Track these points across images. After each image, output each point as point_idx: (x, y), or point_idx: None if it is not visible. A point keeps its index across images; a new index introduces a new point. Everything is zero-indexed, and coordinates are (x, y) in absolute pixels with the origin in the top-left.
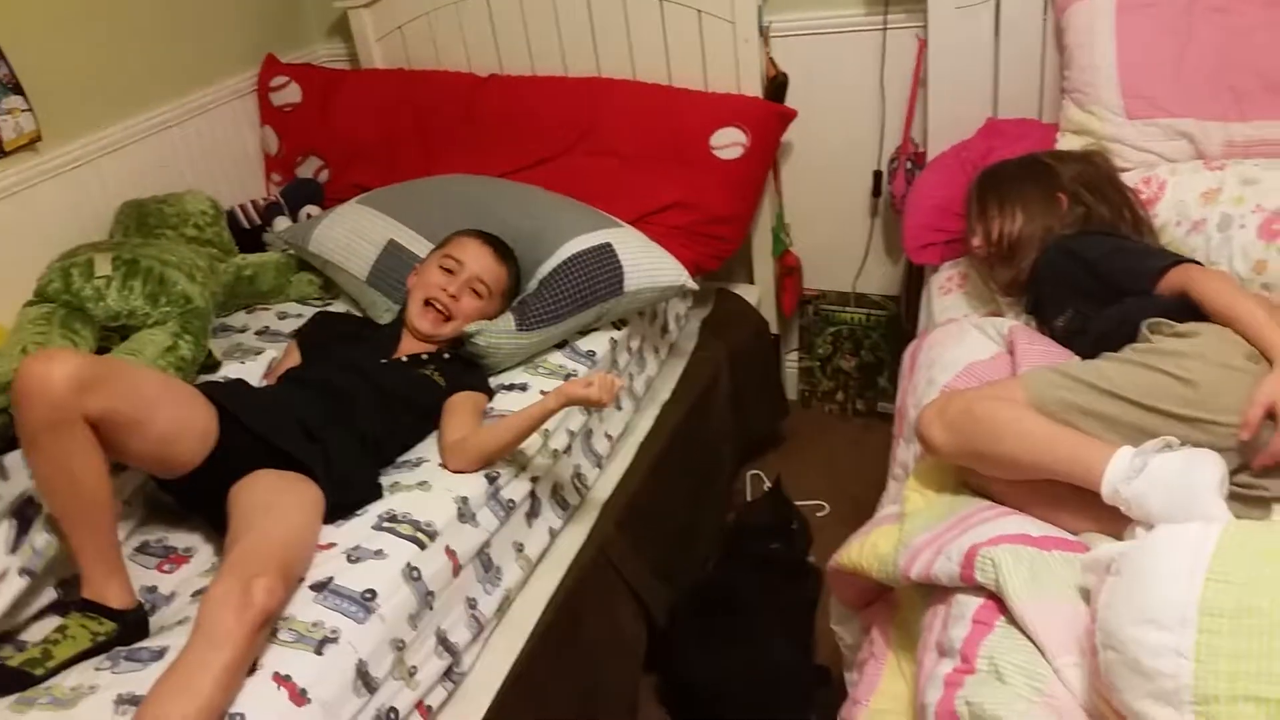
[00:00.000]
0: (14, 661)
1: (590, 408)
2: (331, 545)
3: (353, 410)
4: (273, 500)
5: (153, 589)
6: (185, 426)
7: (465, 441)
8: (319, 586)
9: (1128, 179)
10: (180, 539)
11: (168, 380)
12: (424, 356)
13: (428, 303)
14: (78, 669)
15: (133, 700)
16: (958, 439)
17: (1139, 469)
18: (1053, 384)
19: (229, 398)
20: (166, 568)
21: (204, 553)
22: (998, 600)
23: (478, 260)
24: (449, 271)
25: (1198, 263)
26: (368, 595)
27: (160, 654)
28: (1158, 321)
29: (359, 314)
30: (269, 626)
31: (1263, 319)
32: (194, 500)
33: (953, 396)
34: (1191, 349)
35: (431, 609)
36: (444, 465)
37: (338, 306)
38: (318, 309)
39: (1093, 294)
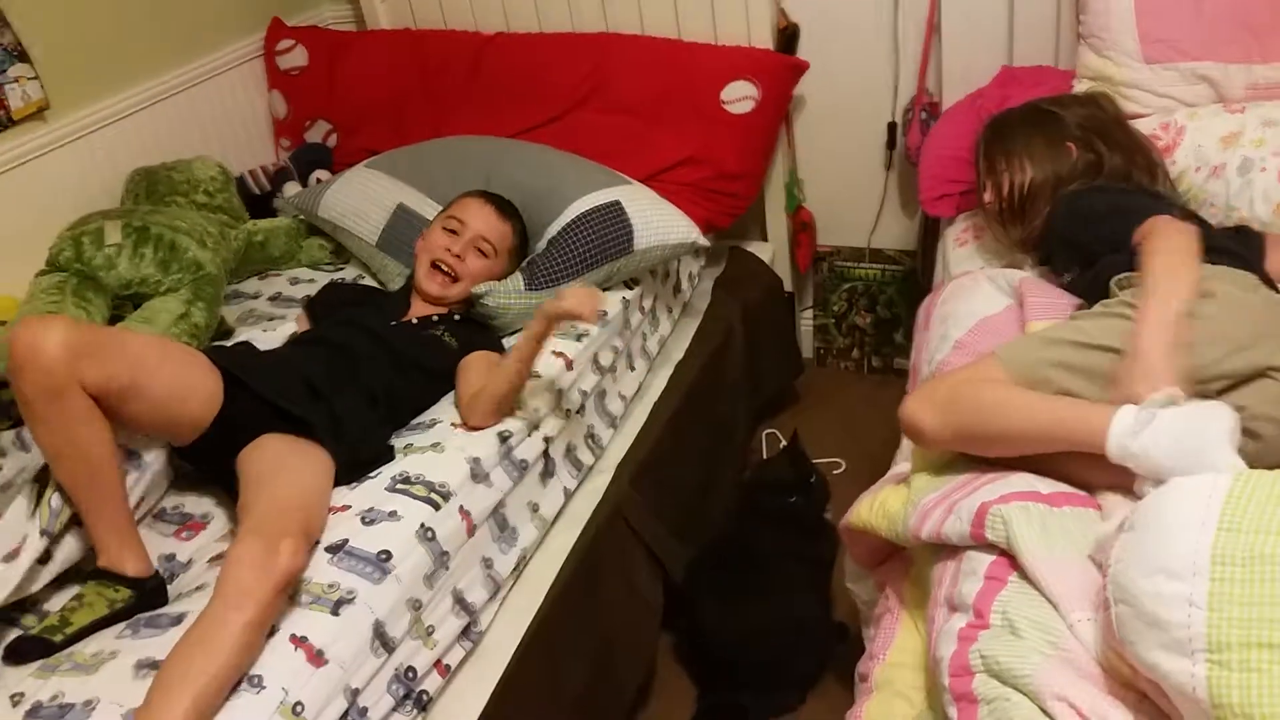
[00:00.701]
0: (34, 629)
1: (577, 324)
2: (346, 507)
3: (360, 369)
4: (282, 463)
5: (170, 556)
6: (187, 390)
7: (479, 394)
8: (334, 549)
9: (1145, 125)
10: (196, 505)
11: (165, 344)
12: (434, 318)
13: (434, 265)
14: (99, 636)
15: (153, 665)
16: (950, 425)
17: (1145, 423)
18: (1029, 349)
19: (232, 360)
20: (184, 535)
21: (220, 519)
22: (1009, 557)
23: (481, 219)
24: (453, 232)
25: (1195, 216)
26: (383, 556)
27: (179, 620)
28: (1125, 276)
29: (369, 281)
30: (290, 588)
31: (1155, 310)
32: (208, 466)
33: (935, 384)
34: None
35: (447, 569)
36: (465, 423)
37: (349, 272)
38: (329, 274)
39: (1088, 255)
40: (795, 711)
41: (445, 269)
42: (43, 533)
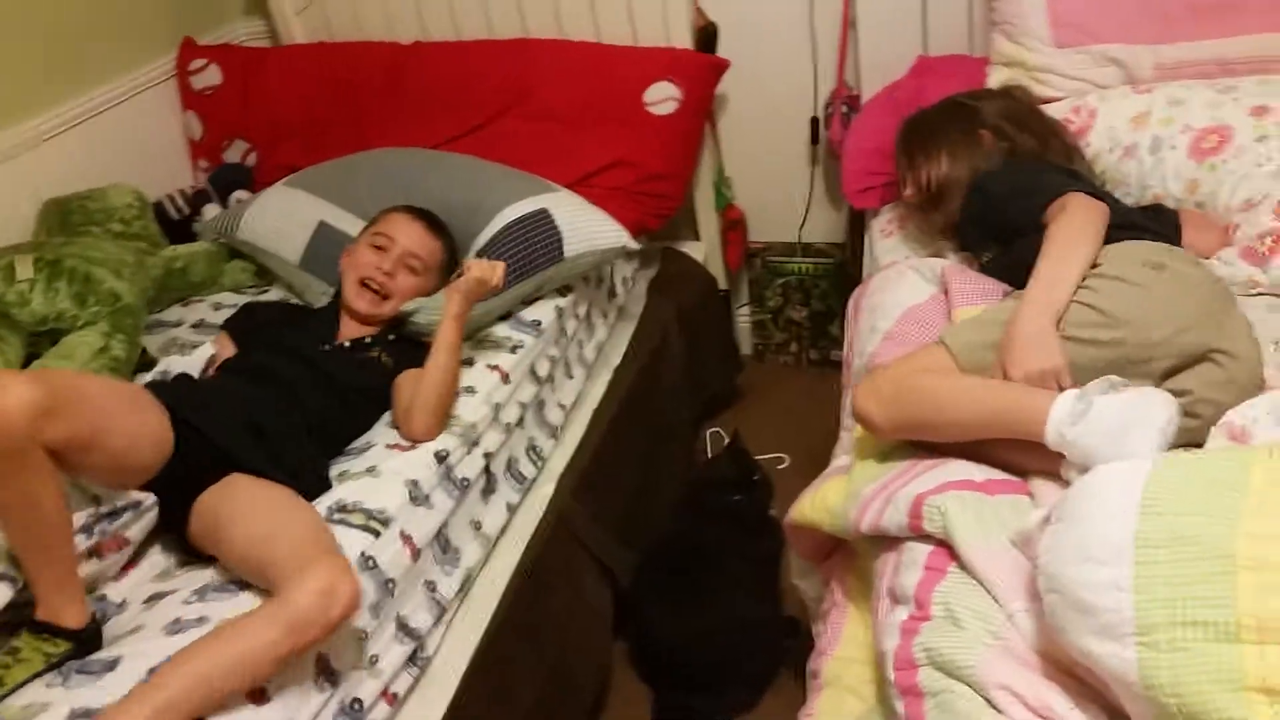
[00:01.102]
0: None
1: (486, 294)
2: None
3: (299, 399)
4: (274, 503)
5: (102, 597)
6: (141, 435)
7: (416, 398)
8: None
9: (1058, 109)
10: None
11: (118, 387)
12: (367, 339)
13: (363, 283)
14: (29, 687)
15: (86, 714)
16: (897, 415)
17: (1081, 413)
18: (973, 335)
19: (179, 401)
20: (130, 572)
21: (154, 557)
22: (948, 547)
23: (409, 235)
24: (380, 249)
25: (1108, 196)
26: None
27: (113, 664)
28: None
29: (291, 300)
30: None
31: (1040, 293)
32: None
33: (881, 374)
34: (1096, 273)
35: (392, 596)
36: (407, 435)
37: (273, 293)
38: (253, 296)
39: (1001, 234)
40: (751, 710)
41: (374, 287)
42: None
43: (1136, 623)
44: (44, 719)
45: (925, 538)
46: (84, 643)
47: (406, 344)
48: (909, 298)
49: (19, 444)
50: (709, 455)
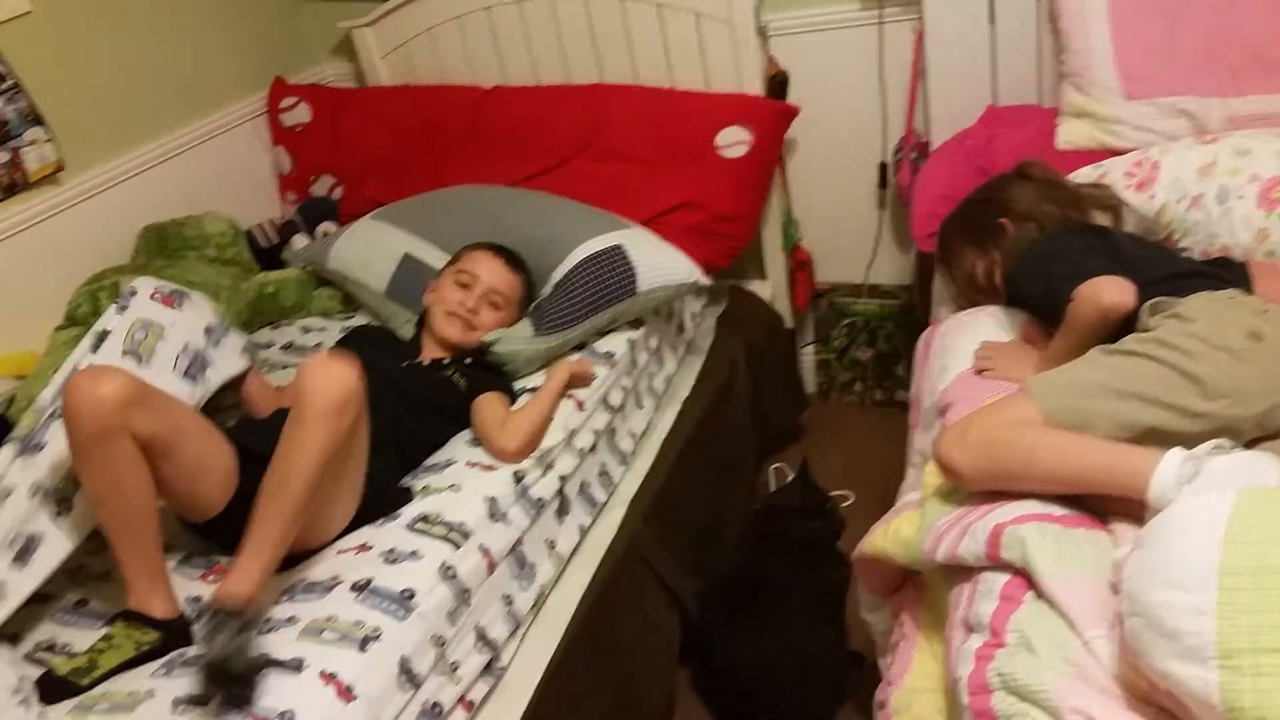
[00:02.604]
0: (61, 670)
1: (584, 384)
2: (368, 547)
3: (376, 412)
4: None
5: (197, 598)
6: (211, 462)
7: (511, 420)
8: (359, 587)
9: (1120, 162)
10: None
11: (198, 415)
12: (445, 360)
13: (449, 314)
14: (134, 675)
15: (190, 702)
16: (985, 465)
17: (1190, 474)
18: (1064, 392)
19: (245, 433)
20: (210, 579)
21: None
22: (1024, 576)
23: (491, 273)
24: (465, 286)
25: (1123, 256)
26: (407, 594)
27: None
28: (1160, 301)
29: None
30: None
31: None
32: (220, 541)
33: (967, 425)
34: (1192, 334)
35: (469, 605)
36: (500, 456)
37: (359, 320)
38: (340, 322)
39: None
40: None
41: (464, 320)
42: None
43: (1219, 647)
44: (149, 705)
45: (1001, 568)
46: (173, 635)
47: (480, 369)
48: (983, 338)
49: (110, 427)
50: (770, 490)
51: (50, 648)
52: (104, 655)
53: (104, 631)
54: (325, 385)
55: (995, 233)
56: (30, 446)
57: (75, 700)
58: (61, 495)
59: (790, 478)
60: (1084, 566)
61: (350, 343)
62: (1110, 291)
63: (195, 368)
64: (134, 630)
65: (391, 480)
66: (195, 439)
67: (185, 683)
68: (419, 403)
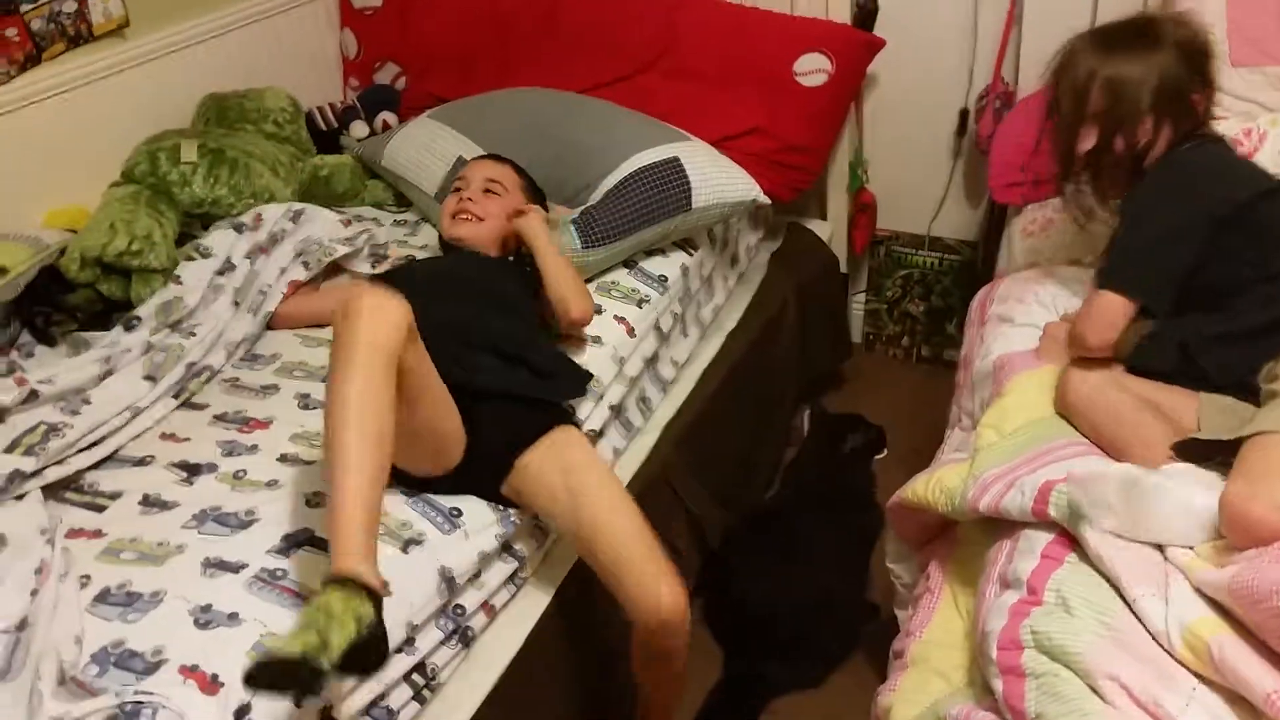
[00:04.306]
0: (292, 648)
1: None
2: None
3: (493, 317)
4: (619, 491)
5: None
6: (443, 426)
7: (563, 298)
8: (411, 492)
9: (1226, 128)
10: (260, 409)
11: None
12: (498, 257)
13: (455, 217)
14: (164, 524)
15: (220, 564)
16: None
17: None
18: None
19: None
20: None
21: (283, 421)
22: (1068, 536)
23: (478, 168)
24: (459, 190)
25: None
26: (454, 512)
27: (248, 523)
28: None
29: (428, 230)
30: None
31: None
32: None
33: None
34: None
35: (506, 525)
36: (575, 325)
37: (409, 215)
38: (392, 214)
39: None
40: (819, 686)
41: (465, 216)
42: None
43: None
44: (180, 559)
45: (1045, 526)
46: (380, 615)
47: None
48: (1041, 316)
49: (397, 345)
50: (805, 434)
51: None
52: (332, 631)
53: (314, 600)
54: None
55: (1180, 100)
56: None
57: (104, 543)
58: None
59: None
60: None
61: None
62: (1096, 336)
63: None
64: (353, 600)
65: (565, 367)
66: (439, 394)
67: (219, 543)
68: (508, 291)
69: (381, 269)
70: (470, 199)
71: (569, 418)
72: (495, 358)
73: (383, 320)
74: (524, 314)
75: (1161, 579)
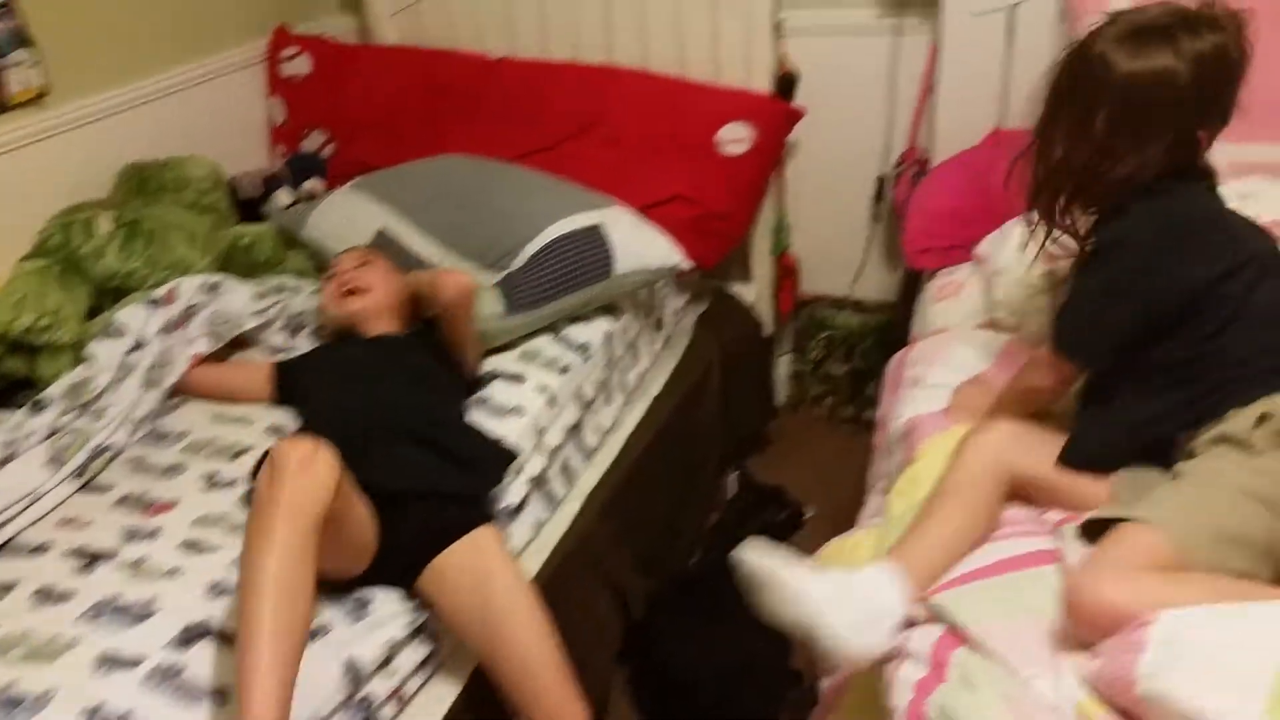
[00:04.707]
0: None
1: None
2: None
3: (407, 399)
4: (537, 613)
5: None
6: (360, 526)
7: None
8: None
9: None
10: (164, 490)
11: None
12: (396, 335)
13: (342, 296)
14: (58, 619)
15: (114, 660)
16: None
17: None
18: (1199, 526)
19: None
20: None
21: (188, 503)
22: None
23: (344, 257)
24: (335, 275)
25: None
26: (360, 602)
27: (147, 614)
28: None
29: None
30: None
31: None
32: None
33: (1119, 577)
34: None
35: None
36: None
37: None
38: (314, 285)
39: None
40: None
41: (351, 290)
42: None
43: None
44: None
45: None
46: None
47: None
48: (954, 377)
49: (324, 513)
50: (730, 498)
51: None
52: None
53: None
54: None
55: (1183, 127)
56: None
57: None
58: None
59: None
60: (1026, 611)
61: (302, 369)
62: (1044, 377)
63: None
64: None
65: (485, 449)
66: (360, 515)
67: (113, 635)
68: (417, 370)
69: (300, 339)
70: (349, 273)
71: (488, 512)
72: (414, 446)
73: (310, 481)
74: (439, 387)
75: (1051, 655)
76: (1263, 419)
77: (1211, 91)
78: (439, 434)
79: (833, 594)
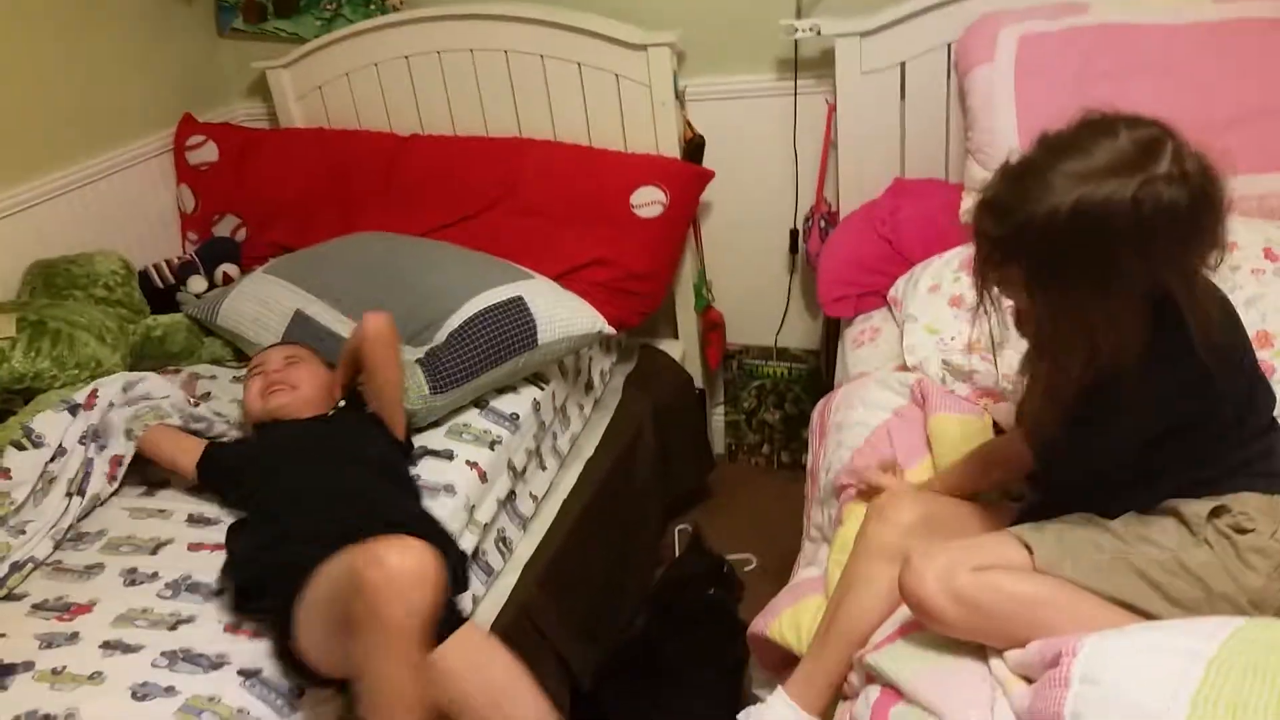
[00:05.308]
0: None
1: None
2: (261, 636)
3: (371, 486)
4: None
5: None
6: None
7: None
8: (248, 674)
9: None
10: (82, 593)
11: None
12: (330, 414)
13: (267, 393)
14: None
15: None
16: (974, 622)
17: None
18: (1087, 553)
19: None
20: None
21: (107, 601)
22: None
23: (271, 352)
24: (260, 373)
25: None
26: (295, 691)
27: None
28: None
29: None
30: None
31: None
32: None
33: (954, 566)
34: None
35: None
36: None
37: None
38: (232, 371)
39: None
40: None
41: (278, 387)
42: None
43: None
44: None
45: None
46: None
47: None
48: (875, 416)
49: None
50: (676, 553)
51: None
52: None
53: None
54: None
55: (1175, 258)
56: None
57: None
58: None
59: (689, 539)
60: (946, 657)
61: (230, 459)
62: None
63: None
64: None
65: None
66: None
67: None
68: (369, 453)
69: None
70: (276, 372)
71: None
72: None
73: (426, 588)
74: (389, 469)
75: (988, 696)
76: (1217, 511)
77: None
78: (408, 522)
79: None
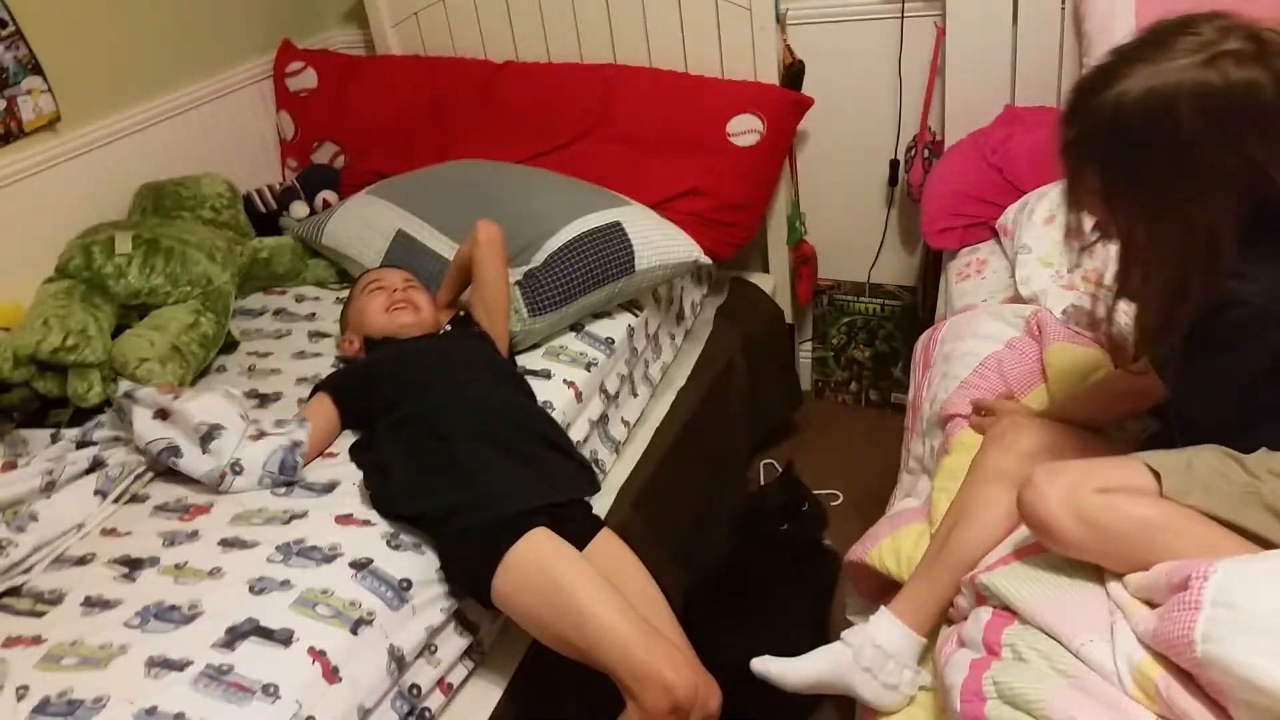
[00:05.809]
0: None
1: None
2: (369, 523)
3: (521, 400)
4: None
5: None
6: None
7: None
8: (359, 565)
9: None
10: (199, 494)
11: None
12: (442, 333)
13: (391, 310)
14: (107, 625)
15: (164, 663)
16: (1095, 542)
17: None
18: (1219, 485)
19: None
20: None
21: (223, 503)
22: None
23: (387, 274)
24: (381, 289)
25: None
26: (404, 584)
27: (191, 617)
28: None
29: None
30: None
31: None
32: None
33: (1078, 486)
34: None
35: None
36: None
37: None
38: (335, 292)
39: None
40: None
41: (403, 305)
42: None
43: None
44: (122, 661)
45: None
46: None
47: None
48: (985, 346)
49: None
50: (761, 485)
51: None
52: None
53: None
54: None
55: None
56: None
57: (44, 650)
58: None
59: (781, 471)
60: (1064, 582)
61: (360, 382)
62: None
63: None
64: None
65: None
66: None
67: (159, 639)
68: (483, 371)
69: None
70: (398, 291)
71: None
72: (548, 449)
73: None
74: (521, 383)
75: (1105, 620)
76: None
77: None
78: (559, 438)
79: (849, 667)
